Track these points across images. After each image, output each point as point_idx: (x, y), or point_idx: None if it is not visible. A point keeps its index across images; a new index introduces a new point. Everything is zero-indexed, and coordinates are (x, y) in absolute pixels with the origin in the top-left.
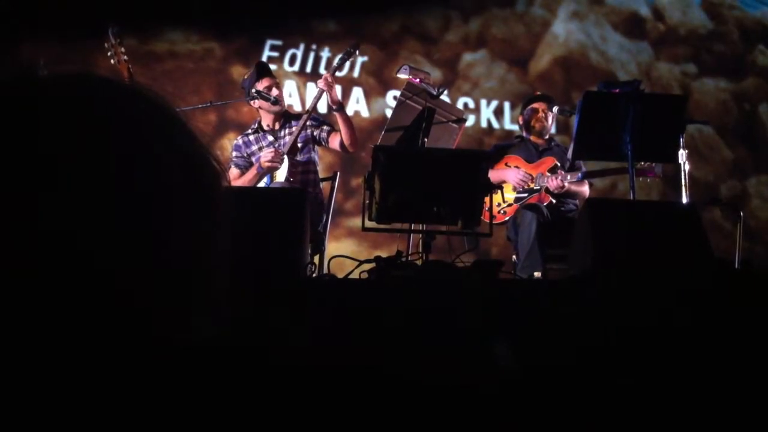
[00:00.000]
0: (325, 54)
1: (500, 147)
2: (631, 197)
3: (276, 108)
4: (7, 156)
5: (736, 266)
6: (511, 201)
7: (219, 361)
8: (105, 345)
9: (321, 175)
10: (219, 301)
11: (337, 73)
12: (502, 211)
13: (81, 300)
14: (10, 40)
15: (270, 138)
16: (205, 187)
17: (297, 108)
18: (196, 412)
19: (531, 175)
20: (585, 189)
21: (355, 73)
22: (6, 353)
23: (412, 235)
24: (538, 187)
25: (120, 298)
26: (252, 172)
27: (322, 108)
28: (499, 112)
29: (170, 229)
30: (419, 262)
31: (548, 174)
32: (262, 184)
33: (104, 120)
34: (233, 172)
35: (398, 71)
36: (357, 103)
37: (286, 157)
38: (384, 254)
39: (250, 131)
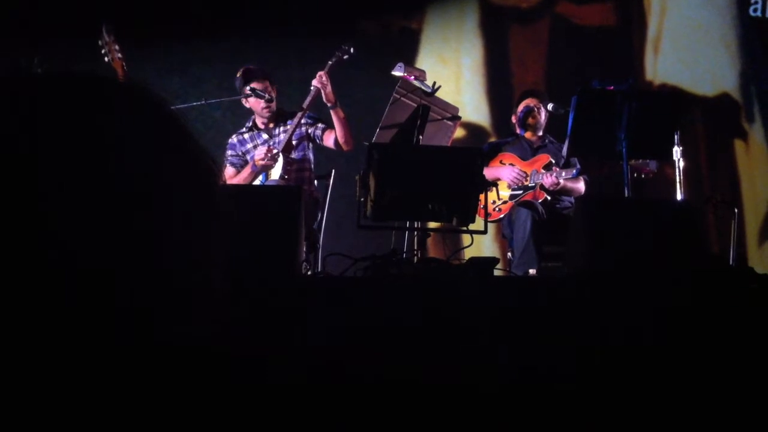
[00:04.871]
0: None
1: (495, 144)
2: (626, 194)
3: (270, 106)
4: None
5: (731, 263)
6: (506, 198)
7: (217, 361)
8: (105, 345)
9: (316, 172)
10: (218, 300)
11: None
12: (497, 209)
13: (80, 301)
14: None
15: (265, 136)
16: (203, 185)
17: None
18: (196, 413)
19: (526, 172)
20: (580, 186)
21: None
22: (5, 353)
23: (407, 232)
24: (533, 185)
25: (120, 298)
26: (246, 171)
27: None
28: None
29: (169, 229)
30: (415, 260)
31: (543, 171)
32: (257, 182)
33: (100, 118)
34: (229, 170)
35: (393, 69)
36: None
37: (281, 155)
38: (379, 252)
39: (244, 130)
